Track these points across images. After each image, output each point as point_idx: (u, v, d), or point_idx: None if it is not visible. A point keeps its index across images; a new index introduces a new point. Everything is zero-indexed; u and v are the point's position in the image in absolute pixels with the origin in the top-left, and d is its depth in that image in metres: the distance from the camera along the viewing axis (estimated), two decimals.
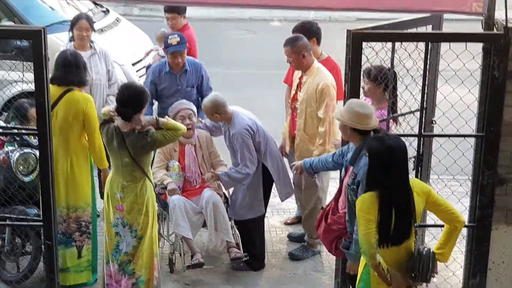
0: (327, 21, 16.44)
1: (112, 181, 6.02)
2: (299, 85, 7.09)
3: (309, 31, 7.28)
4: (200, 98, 7.67)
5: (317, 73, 6.96)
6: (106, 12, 10.79)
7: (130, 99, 5.85)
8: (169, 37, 7.54)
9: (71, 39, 8.00)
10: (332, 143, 6.86)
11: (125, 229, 5.98)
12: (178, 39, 7.50)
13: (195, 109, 7.18)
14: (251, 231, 7.06)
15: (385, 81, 6.09)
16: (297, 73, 7.20)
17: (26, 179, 6.46)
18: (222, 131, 7.08)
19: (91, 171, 6.60)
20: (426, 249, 4.77)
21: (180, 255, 6.83)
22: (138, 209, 5.94)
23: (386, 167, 4.58)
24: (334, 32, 14.20)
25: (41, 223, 5.96)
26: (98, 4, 10.69)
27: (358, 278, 4.90)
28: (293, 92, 7.19)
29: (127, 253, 6.00)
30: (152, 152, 6.14)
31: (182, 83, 7.63)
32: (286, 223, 7.98)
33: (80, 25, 7.84)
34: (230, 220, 6.99)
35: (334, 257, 6.38)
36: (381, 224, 4.57)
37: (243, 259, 6.88)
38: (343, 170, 5.52)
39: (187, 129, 6.92)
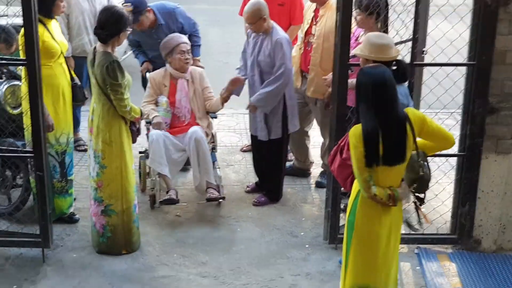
0: None
1: (91, 104, 6.05)
2: (313, 19, 6.99)
3: None
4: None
5: (335, 6, 6.87)
6: None
7: (106, 22, 5.82)
8: (122, 5, 6.95)
9: None
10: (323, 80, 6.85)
11: (91, 153, 6.02)
12: (131, 8, 6.93)
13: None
14: (270, 156, 7.05)
15: (377, 9, 6.04)
16: (310, 7, 7.09)
17: (15, 111, 6.42)
18: (252, 43, 6.86)
19: None
20: (425, 169, 4.68)
21: (157, 191, 6.81)
22: (102, 136, 5.91)
23: (371, 96, 4.52)
24: None
25: (31, 155, 5.93)
26: None
27: (348, 210, 4.88)
28: (306, 26, 7.05)
29: (93, 178, 6.03)
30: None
31: (161, 37, 7.17)
32: (243, 150, 8.24)
33: None
34: (214, 162, 6.97)
35: (325, 190, 6.44)
36: (365, 147, 4.52)
37: (219, 200, 6.86)
38: None
39: (185, 63, 6.92)
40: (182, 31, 7.29)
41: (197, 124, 7.00)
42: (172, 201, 6.70)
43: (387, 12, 6.11)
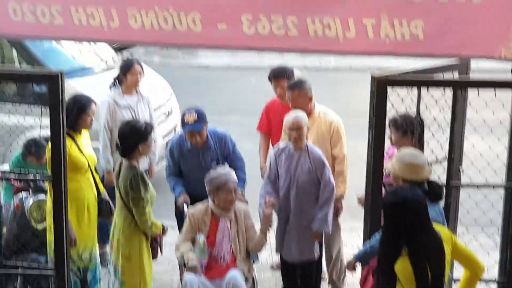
0: (348, 71, 16.38)
1: (113, 218, 6.01)
2: None
3: (287, 72, 7.43)
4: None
5: (324, 114, 6.94)
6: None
7: (123, 136, 5.87)
8: (185, 113, 6.73)
9: (116, 84, 7.86)
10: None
11: (111, 267, 5.91)
12: (196, 116, 6.67)
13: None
14: (304, 277, 6.74)
15: (411, 129, 5.92)
16: None
17: (40, 226, 6.31)
18: (285, 161, 6.57)
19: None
20: None
21: None
22: (122, 251, 5.81)
23: (402, 219, 4.35)
24: (354, 81, 14.04)
25: (53, 274, 5.74)
26: (117, 50, 10.70)
27: None
28: None
29: None
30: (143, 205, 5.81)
31: (206, 160, 6.80)
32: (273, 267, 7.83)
33: (135, 69, 7.75)
34: None
35: None
36: (418, 282, 4.32)
37: None
38: None
39: (231, 203, 6.29)
40: (227, 159, 6.96)
41: (237, 267, 6.24)
42: None
43: (422, 131, 5.97)
